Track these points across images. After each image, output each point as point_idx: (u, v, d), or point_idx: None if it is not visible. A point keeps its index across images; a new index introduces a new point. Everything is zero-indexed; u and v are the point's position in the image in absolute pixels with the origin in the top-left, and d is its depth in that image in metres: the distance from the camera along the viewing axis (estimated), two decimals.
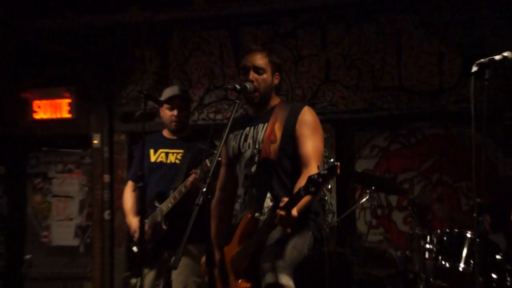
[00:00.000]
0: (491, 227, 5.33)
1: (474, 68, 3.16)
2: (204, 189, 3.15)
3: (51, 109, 7.48)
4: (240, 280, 3.52)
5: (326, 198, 6.48)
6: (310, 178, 2.96)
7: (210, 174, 3.28)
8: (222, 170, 3.93)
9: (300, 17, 6.86)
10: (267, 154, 3.60)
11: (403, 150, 6.75)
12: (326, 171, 2.92)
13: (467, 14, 6.42)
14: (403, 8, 6.57)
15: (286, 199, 3.10)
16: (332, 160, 3.04)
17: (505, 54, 3.11)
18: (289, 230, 3.20)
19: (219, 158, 3.75)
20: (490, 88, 3.06)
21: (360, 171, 6.81)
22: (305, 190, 2.96)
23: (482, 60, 3.15)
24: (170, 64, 7.22)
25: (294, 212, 3.07)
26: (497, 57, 3.14)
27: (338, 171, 2.89)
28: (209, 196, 3.57)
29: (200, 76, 7.10)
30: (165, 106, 5.00)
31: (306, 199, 3.17)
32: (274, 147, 3.59)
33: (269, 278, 3.32)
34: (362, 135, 6.93)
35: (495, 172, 6.28)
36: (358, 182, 6.67)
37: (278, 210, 3.10)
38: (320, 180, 2.92)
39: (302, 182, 3.05)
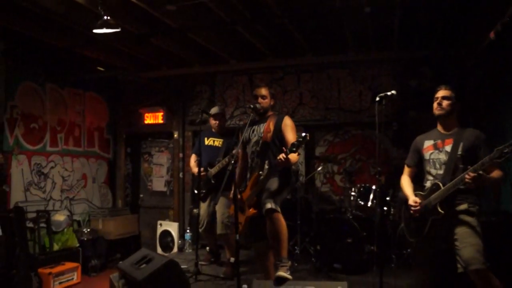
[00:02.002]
0: (385, 183, 5.79)
1: (377, 99, 3.66)
2: (233, 161, 3.83)
3: (153, 118, 8.18)
4: (251, 209, 3.91)
5: (299, 167, 7.16)
6: (292, 143, 3.53)
7: (235, 155, 3.96)
8: (241, 152, 4.30)
9: (286, 70, 7.47)
10: (265, 139, 4.02)
11: (341, 142, 7.37)
12: (301, 138, 3.48)
13: (373, 71, 7.02)
14: (341, 67, 7.18)
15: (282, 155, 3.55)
16: (303, 133, 3.49)
17: (393, 91, 3.61)
18: (281, 166, 3.65)
19: (239, 148, 4.22)
20: (385, 109, 3.54)
21: (317, 153, 7.37)
22: (290, 150, 3.51)
23: (381, 94, 3.64)
24: (216, 94, 7.86)
25: (289, 157, 3.57)
26: (388, 93, 3.62)
27: (308, 138, 3.48)
28: (235, 165, 3.96)
29: (232, 100, 7.75)
30: (211, 118, 5.68)
31: (290, 156, 3.63)
32: (270, 135, 4.01)
33: (267, 205, 3.71)
34: (319, 133, 7.46)
35: (387, 154, 6.58)
36: (316, 159, 7.15)
37: (281, 156, 3.56)
38: (297, 143, 3.49)
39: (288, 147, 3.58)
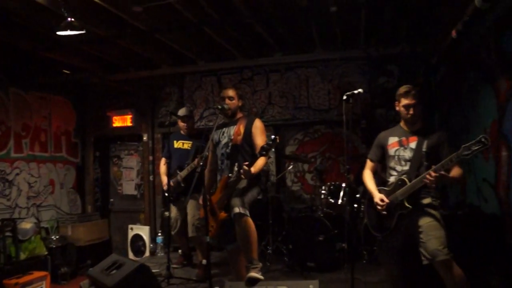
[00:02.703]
0: (354, 180, 5.71)
1: (345, 97, 3.77)
2: (201, 163, 3.82)
3: (122, 120, 8.08)
4: (222, 212, 3.86)
5: (269, 167, 7.18)
6: (262, 146, 3.56)
7: (204, 157, 3.91)
8: (210, 153, 4.27)
9: (255, 70, 7.49)
10: (235, 141, 4.01)
11: (310, 141, 7.37)
12: (271, 141, 3.51)
13: (341, 69, 7.10)
14: (309, 66, 7.25)
15: (247, 163, 3.59)
16: (273, 136, 3.53)
17: (360, 90, 3.79)
18: (246, 178, 3.67)
19: (208, 150, 4.19)
20: (353, 107, 3.93)
21: (287, 152, 7.28)
22: (260, 153, 3.56)
23: (348, 93, 3.76)
24: (184, 95, 7.81)
25: (252, 169, 3.59)
26: (356, 91, 3.75)
27: (278, 141, 3.50)
28: (204, 167, 4.00)
29: (201, 101, 7.71)
30: (180, 120, 5.61)
31: (260, 160, 3.74)
32: (240, 138, 4.01)
33: (236, 209, 3.70)
34: (289, 133, 7.46)
35: (356, 151, 6.83)
36: (286, 158, 7.04)
37: (244, 167, 3.56)
38: (267, 146, 3.52)
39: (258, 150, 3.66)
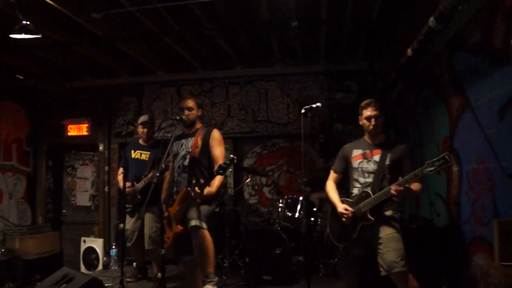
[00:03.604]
0: (311, 193, 5.78)
1: (303, 111, 3.71)
2: (158, 174, 3.78)
3: (77, 129, 7.94)
4: (178, 225, 3.83)
5: (227, 179, 7.16)
6: (220, 165, 3.54)
7: (161, 169, 3.84)
8: (170, 164, 4.24)
9: (214, 82, 7.49)
10: (193, 154, 3.97)
11: (269, 154, 7.44)
12: (228, 161, 3.51)
13: (301, 84, 7.21)
14: (269, 79, 7.33)
15: (202, 181, 3.58)
16: (231, 156, 3.53)
17: (318, 104, 3.72)
18: (199, 200, 3.68)
19: (169, 160, 4.19)
20: (312, 121, 3.88)
21: (246, 165, 7.33)
22: (217, 171, 3.54)
23: (307, 106, 3.70)
24: (143, 105, 7.73)
25: (205, 191, 3.63)
26: (314, 105, 3.69)
27: (235, 161, 3.52)
28: (161, 179, 3.95)
29: (159, 112, 7.63)
30: (139, 126, 5.45)
31: (216, 180, 3.78)
32: (197, 150, 3.97)
33: (192, 222, 3.68)
34: (247, 146, 7.50)
35: (314, 165, 6.93)
36: (244, 171, 7.05)
37: (196, 189, 3.57)
38: (225, 166, 3.51)
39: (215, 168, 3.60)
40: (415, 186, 3.34)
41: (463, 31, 3.72)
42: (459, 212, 3.94)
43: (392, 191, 3.22)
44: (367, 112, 3.56)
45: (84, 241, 7.12)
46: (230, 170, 6.71)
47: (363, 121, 3.62)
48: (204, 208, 3.80)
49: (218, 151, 3.98)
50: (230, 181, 7.33)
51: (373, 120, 3.53)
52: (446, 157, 2.98)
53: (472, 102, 3.59)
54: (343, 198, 3.64)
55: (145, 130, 5.47)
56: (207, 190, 3.72)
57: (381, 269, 3.29)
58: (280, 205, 5.83)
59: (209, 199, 3.85)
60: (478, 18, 3.42)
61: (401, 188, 3.18)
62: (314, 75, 7.25)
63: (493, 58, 3.19)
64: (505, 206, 3.06)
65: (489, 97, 3.25)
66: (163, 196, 4.16)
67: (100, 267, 6.87)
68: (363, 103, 3.62)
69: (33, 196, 7.94)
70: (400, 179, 3.23)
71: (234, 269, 5.68)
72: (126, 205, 5.36)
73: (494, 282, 2.78)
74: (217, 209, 4.04)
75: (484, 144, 3.36)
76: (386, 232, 3.34)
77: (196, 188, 3.58)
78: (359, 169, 3.58)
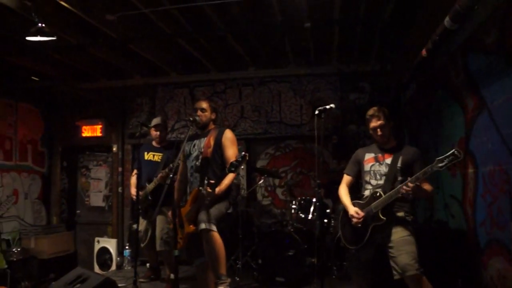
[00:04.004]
0: (325, 195, 5.96)
1: (317, 112, 3.73)
2: (171, 175, 3.82)
3: (92, 130, 7.99)
4: (191, 225, 3.80)
5: (240, 181, 7.14)
6: (231, 163, 3.50)
7: (174, 169, 3.90)
8: (182, 164, 4.22)
9: (227, 83, 7.49)
10: (205, 154, 3.96)
11: (282, 155, 7.41)
12: (240, 158, 3.47)
13: (314, 85, 7.17)
14: (282, 81, 7.30)
15: (212, 182, 3.59)
16: (243, 153, 3.50)
17: (332, 105, 3.72)
18: (209, 199, 3.65)
19: (179, 160, 4.14)
20: (325, 123, 3.57)
21: (259, 166, 7.29)
22: (229, 169, 3.51)
23: (320, 108, 3.72)
24: (156, 106, 7.73)
25: (216, 190, 3.62)
26: (327, 107, 3.71)
27: (247, 158, 3.48)
28: (174, 179, 3.97)
29: (173, 113, 7.64)
30: (152, 129, 5.48)
31: (227, 178, 3.77)
32: (210, 150, 3.95)
33: (202, 225, 3.66)
34: (260, 147, 7.49)
35: (327, 167, 6.89)
36: (257, 172, 6.85)
37: (208, 189, 3.56)
38: (236, 163, 3.47)
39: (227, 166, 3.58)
40: (425, 187, 3.36)
41: (479, 31, 3.67)
42: (474, 214, 3.90)
43: (403, 188, 3.23)
44: (372, 123, 3.62)
45: (98, 241, 7.16)
46: (243, 167, 6.76)
47: (370, 131, 3.69)
48: (215, 211, 3.78)
49: (231, 151, 3.97)
50: (243, 182, 7.30)
51: (378, 130, 3.60)
52: (456, 153, 2.97)
53: (488, 103, 3.55)
54: (354, 201, 3.64)
55: (158, 133, 5.49)
56: (218, 189, 3.71)
57: (395, 272, 3.28)
58: (293, 206, 5.80)
59: (220, 197, 3.84)
60: (494, 18, 3.36)
61: (412, 185, 3.18)
62: (327, 76, 7.21)
63: (509, 59, 3.13)
64: None
65: (505, 97, 3.20)
66: (176, 197, 4.16)
67: (113, 267, 6.91)
68: (367, 114, 3.67)
69: (48, 197, 8.00)
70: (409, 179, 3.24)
71: (247, 271, 5.67)
72: (138, 206, 5.36)
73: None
74: (229, 211, 3.99)
75: (501, 146, 3.31)
76: (398, 235, 3.34)
77: (208, 188, 3.57)
78: (371, 171, 3.61)
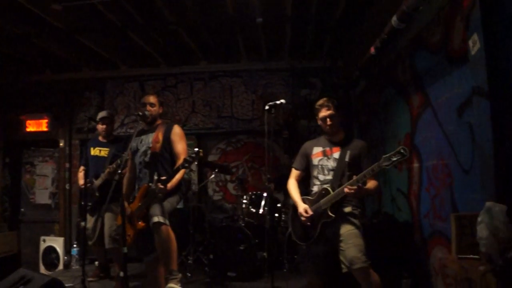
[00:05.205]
0: (275, 189, 5.88)
1: (267, 107, 3.80)
2: (119, 171, 3.74)
3: (37, 125, 7.75)
4: (140, 222, 3.82)
5: (191, 176, 7.03)
6: (185, 159, 3.53)
7: (122, 164, 3.85)
8: (130, 161, 4.17)
9: (179, 77, 7.45)
10: (154, 149, 3.95)
11: (233, 150, 7.47)
12: (194, 154, 3.49)
13: (266, 80, 7.24)
14: (233, 75, 7.35)
15: (163, 178, 3.61)
16: (196, 149, 3.48)
17: (282, 100, 3.82)
18: (161, 195, 3.68)
19: (127, 156, 4.09)
20: (276, 118, 4.14)
21: (210, 161, 7.27)
22: (182, 165, 3.54)
23: (271, 103, 3.79)
24: (105, 101, 7.58)
25: (168, 186, 3.64)
26: (277, 102, 3.78)
27: (201, 154, 3.50)
28: (121, 174, 3.83)
29: (122, 108, 7.52)
30: (98, 123, 5.38)
31: (181, 172, 3.74)
32: (158, 145, 3.95)
33: (155, 219, 3.66)
34: (212, 142, 7.50)
35: (278, 162, 6.97)
36: (209, 167, 6.94)
37: (158, 184, 3.59)
38: (190, 159, 3.50)
39: (179, 163, 3.65)
40: (370, 183, 3.39)
41: (424, 31, 3.81)
42: (419, 207, 4.04)
43: (346, 191, 3.24)
44: (322, 113, 3.60)
45: (44, 240, 6.91)
46: (195, 163, 6.62)
47: (319, 122, 3.65)
48: (167, 205, 3.78)
49: (180, 146, 3.97)
50: (194, 177, 7.28)
51: (328, 120, 3.56)
52: (402, 151, 2.99)
53: (432, 100, 3.70)
54: (304, 197, 3.64)
55: (104, 126, 5.41)
56: (169, 184, 3.70)
57: (343, 266, 3.31)
58: (244, 201, 5.83)
59: (171, 192, 3.82)
60: (438, 18, 3.50)
61: (354, 187, 3.20)
62: (279, 72, 7.31)
63: (451, 58, 3.27)
64: (462, 200, 3.14)
65: (448, 95, 3.34)
66: (124, 193, 4.09)
67: (60, 266, 6.70)
68: (317, 104, 3.65)
69: None
70: (355, 177, 3.25)
71: (198, 266, 5.67)
72: (86, 203, 5.26)
73: (451, 274, 2.81)
74: (179, 206, 4.03)
75: (443, 141, 3.45)
76: (346, 229, 3.35)
77: (159, 184, 3.57)
78: (319, 166, 3.60)
